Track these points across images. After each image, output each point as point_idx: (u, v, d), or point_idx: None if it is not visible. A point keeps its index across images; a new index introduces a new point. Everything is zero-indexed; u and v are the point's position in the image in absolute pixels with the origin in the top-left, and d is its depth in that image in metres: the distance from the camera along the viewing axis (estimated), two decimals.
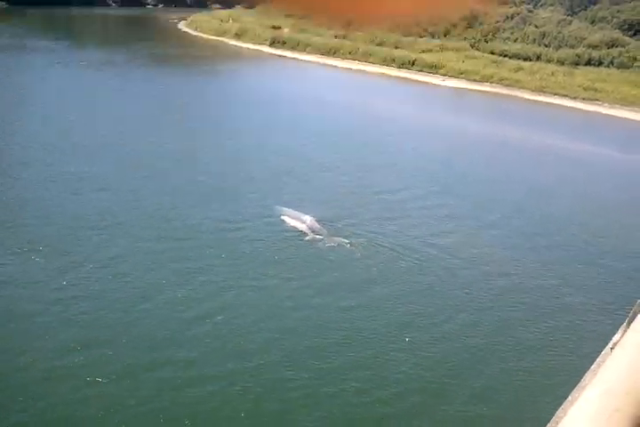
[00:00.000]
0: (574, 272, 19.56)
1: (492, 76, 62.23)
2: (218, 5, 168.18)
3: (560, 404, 2.82)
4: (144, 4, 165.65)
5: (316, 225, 21.04)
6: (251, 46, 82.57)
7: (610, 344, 3.04)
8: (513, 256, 20.48)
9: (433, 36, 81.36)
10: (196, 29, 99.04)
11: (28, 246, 17.89)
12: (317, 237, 20.40)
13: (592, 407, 1.89)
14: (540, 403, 12.25)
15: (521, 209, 25.52)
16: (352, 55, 73.58)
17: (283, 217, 21.65)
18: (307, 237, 20.37)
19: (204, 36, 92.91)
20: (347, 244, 19.98)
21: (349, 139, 35.24)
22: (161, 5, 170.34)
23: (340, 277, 17.93)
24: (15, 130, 30.40)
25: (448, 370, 13.94)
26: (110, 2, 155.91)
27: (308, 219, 21.27)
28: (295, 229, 20.83)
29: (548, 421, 2.20)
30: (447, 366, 14.09)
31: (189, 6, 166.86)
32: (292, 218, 21.48)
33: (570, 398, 2.13)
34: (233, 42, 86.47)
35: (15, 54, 57.43)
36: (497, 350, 14.91)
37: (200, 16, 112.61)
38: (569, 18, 79.99)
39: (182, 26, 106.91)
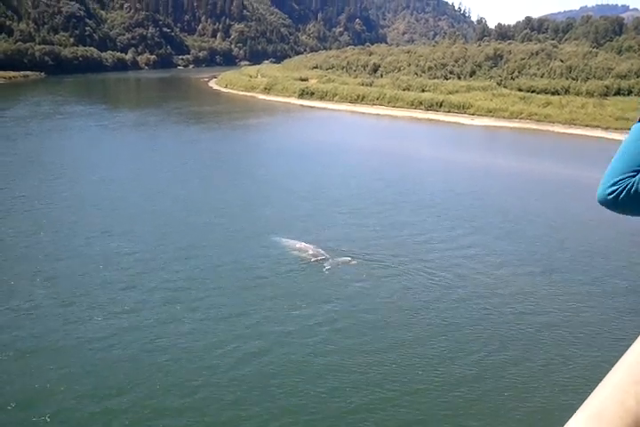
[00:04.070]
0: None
1: (521, 113, 62.28)
2: (246, 62, 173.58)
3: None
4: (175, 66, 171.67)
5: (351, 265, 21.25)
6: (280, 99, 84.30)
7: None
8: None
9: (459, 78, 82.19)
10: (226, 86, 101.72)
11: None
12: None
13: None
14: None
15: (564, 244, 25.04)
16: (379, 101, 74.53)
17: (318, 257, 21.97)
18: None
19: (235, 91, 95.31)
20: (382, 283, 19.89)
21: (374, 182, 35.28)
22: (191, 66, 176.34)
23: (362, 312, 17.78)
24: (50, 188, 31.24)
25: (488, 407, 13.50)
26: (142, 65, 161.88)
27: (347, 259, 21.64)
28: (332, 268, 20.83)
29: None
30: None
31: (219, 64, 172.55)
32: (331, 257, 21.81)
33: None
34: (262, 96, 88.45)
35: (54, 120, 59.45)
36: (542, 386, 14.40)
37: (229, 73, 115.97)
38: (594, 50, 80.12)
39: (213, 84, 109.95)
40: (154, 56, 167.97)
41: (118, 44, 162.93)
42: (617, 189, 1.96)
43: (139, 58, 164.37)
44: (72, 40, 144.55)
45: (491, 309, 18.42)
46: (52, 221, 26.26)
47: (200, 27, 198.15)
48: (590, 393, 1.97)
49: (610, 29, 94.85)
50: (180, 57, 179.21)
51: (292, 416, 12.83)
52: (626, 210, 1.97)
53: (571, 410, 1.90)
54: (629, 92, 66.26)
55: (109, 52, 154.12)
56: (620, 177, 1.98)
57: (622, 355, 2.23)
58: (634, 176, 1.95)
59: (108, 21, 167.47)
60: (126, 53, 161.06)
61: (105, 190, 31.98)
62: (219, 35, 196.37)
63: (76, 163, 39.74)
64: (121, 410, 12.88)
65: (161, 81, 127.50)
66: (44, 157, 40.52)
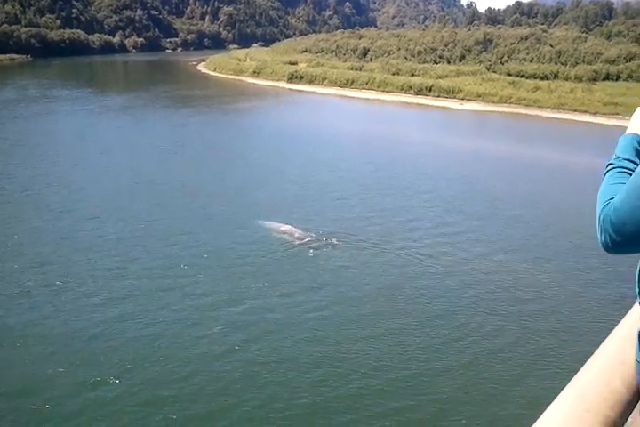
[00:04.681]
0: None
1: (510, 97, 62.30)
2: (235, 45, 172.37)
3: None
4: (163, 49, 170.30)
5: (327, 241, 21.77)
6: (269, 83, 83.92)
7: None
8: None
9: (448, 62, 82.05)
10: (214, 70, 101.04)
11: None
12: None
13: (565, 409, 1.85)
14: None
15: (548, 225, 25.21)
16: (369, 85, 74.32)
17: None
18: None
19: (223, 75, 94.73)
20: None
21: (363, 165, 35.29)
22: (180, 49, 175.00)
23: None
24: (39, 173, 31.04)
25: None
26: (130, 48, 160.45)
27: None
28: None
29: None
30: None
31: (207, 48, 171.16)
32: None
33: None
34: (251, 80, 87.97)
35: (41, 104, 58.97)
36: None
37: (218, 57, 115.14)
38: (584, 35, 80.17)
39: (201, 67, 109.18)
40: (141, 39, 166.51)
41: (105, 26, 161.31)
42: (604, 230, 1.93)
43: (126, 41, 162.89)
44: (59, 22, 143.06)
45: (482, 296, 18.48)
46: (39, 206, 26.14)
47: (188, 9, 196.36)
48: (575, 373, 2.02)
49: (599, 14, 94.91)
50: (169, 40, 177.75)
51: (282, 404, 12.87)
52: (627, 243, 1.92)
53: (557, 389, 1.95)
54: (618, 77, 66.44)
55: (97, 34, 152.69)
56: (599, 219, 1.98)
57: (608, 334, 2.28)
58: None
59: (95, 3, 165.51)
60: (114, 36, 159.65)
61: (92, 175, 31.81)
62: (207, 18, 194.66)
63: (63, 147, 39.52)
64: (112, 398, 12.89)
65: (149, 64, 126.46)
66: (30, 140, 40.20)
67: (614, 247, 1.90)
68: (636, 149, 2.13)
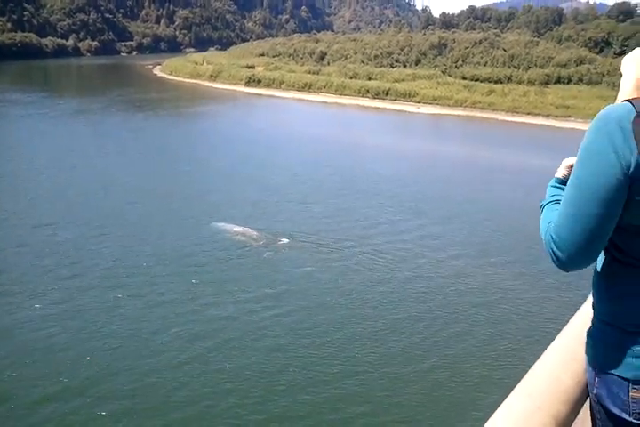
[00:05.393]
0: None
1: (465, 100, 63.19)
2: (191, 49, 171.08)
3: None
4: (118, 52, 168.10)
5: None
6: (227, 87, 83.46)
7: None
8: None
9: (405, 66, 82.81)
10: (171, 73, 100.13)
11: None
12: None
13: (516, 406, 1.91)
14: None
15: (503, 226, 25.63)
16: (327, 89, 74.59)
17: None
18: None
19: (180, 79, 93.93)
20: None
21: (320, 168, 35.40)
22: (135, 53, 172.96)
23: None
24: None
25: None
26: (84, 51, 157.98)
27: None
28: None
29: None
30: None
31: (163, 51, 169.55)
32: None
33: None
34: (209, 83, 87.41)
35: None
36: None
37: (174, 60, 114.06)
38: (536, 39, 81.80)
39: (157, 71, 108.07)
40: (96, 42, 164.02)
41: (59, 29, 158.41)
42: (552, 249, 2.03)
43: (80, 44, 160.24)
44: (9, 25, 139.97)
45: (432, 289, 18.85)
46: None
47: (143, 13, 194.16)
48: (528, 370, 2.07)
49: (550, 19, 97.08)
50: (124, 44, 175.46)
51: (238, 397, 12.93)
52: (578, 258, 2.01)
53: (508, 386, 2.01)
54: (569, 81, 67.94)
55: (49, 38, 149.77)
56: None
57: (559, 333, 2.34)
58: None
59: (48, 6, 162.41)
60: (67, 40, 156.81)
61: (44, 179, 31.25)
62: (162, 21, 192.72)
63: (14, 151, 38.65)
64: (67, 395, 12.75)
65: (104, 68, 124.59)
66: None
67: (566, 263, 2.01)
68: (558, 186, 2.29)
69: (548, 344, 2.29)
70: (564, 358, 2.21)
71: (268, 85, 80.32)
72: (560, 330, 2.44)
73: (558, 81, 68.12)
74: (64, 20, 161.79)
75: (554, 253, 2.03)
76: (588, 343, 2.08)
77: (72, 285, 18.25)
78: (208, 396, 13.09)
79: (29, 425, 12.00)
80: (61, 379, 13.31)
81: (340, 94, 72.27)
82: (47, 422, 12.13)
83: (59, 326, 15.67)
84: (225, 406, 12.78)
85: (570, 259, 2.00)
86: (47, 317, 16.17)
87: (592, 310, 2.13)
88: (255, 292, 18.23)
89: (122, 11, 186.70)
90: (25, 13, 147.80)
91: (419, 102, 65.42)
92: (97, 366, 13.98)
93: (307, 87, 76.58)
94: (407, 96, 66.88)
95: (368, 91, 70.52)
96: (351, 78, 77.27)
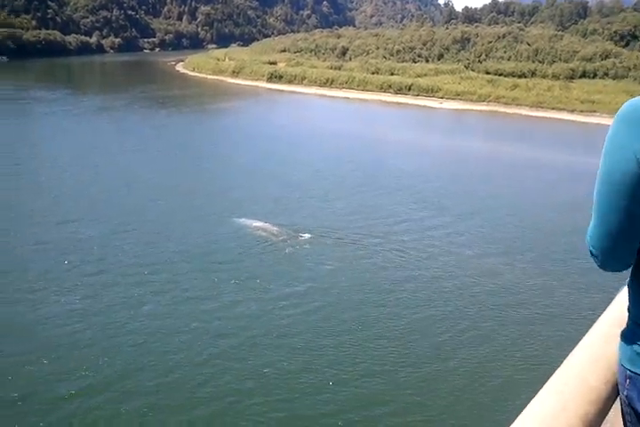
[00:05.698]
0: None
1: (488, 95, 62.71)
2: (213, 45, 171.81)
3: None
4: (141, 49, 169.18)
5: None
6: (249, 83, 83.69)
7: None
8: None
9: (427, 61, 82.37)
10: (193, 70, 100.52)
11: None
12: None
13: (544, 406, 1.85)
14: None
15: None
16: (349, 84, 74.41)
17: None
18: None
19: (202, 75, 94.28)
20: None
21: (343, 164, 35.30)
22: (157, 49, 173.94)
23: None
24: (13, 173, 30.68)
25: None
26: (107, 48, 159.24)
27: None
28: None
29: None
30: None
31: (185, 48, 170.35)
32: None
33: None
34: (231, 79, 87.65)
35: (17, 104, 58.31)
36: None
37: (197, 57, 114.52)
38: (560, 33, 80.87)
39: (180, 67, 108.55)
40: (119, 39, 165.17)
41: (82, 27, 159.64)
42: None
43: (103, 41, 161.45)
44: (34, 23, 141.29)
45: (459, 288, 18.68)
46: (14, 207, 25.79)
47: (165, 9, 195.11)
48: (555, 371, 2.02)
49: (574, 13, 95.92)
50: (146, 40, 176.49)
51: (261, 394, 12.94)
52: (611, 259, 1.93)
53: (536, 386, 1.95)
54: (594, 75, 67.14)
55: (73, 35, 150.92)
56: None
57: (586, 333, 2.29)
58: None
59: (71, 4, 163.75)
60: (90, 37, 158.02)
61: (67, 176, 31.48)
62: (185, 17, 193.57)
63: (38, 149, 39.01)
64: (92, 391, 12.85)
65: (127, 65, 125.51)
66: (5, 142, 39.67)
67: (603, 262, 1.92)
68: None
69: (576, 345, 2.23)
70: (591, 358, 2.17)
71: (290, 81, 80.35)
72: (587, 330, 2.37)
73: (583, 75, 67.36)
74: (87, 18, 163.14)
75: (591, 253, 1.94)
76: (621, 344, 2.00)
77: (96, 281, 18.39)
78: (232, 393, 13.11)
79: (55, 420, 12.11)
80: (86, 374, 13.42)
81: (363, 90, 72.08)
82: (72, 417, 12.24)
83: (83, 322, 15.79)
84: (248, 403, 12.79)
85: (603, 260, 1.91)
86: (72, 313, 16.31)
87: (627, 312, 2.06)
88: (278, 289, 18.23)
89: (144, 8, 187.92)
90: (49, 11, 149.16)
91: (441, 97, 65.05)
92: (121, 362, 14.08)
93: (329, 83, 76.48)
94: (430, 91, 66.52)
95: (390, 86, 70.29)
96: (373, 74, 77.05)
